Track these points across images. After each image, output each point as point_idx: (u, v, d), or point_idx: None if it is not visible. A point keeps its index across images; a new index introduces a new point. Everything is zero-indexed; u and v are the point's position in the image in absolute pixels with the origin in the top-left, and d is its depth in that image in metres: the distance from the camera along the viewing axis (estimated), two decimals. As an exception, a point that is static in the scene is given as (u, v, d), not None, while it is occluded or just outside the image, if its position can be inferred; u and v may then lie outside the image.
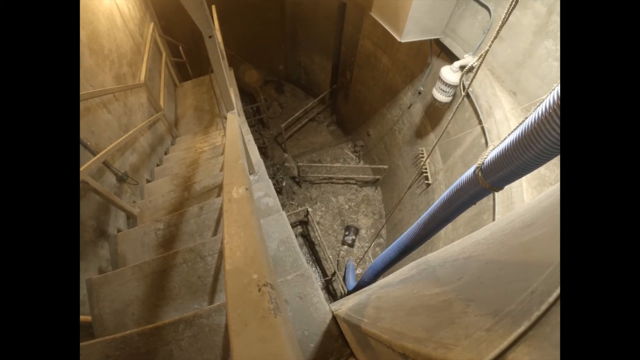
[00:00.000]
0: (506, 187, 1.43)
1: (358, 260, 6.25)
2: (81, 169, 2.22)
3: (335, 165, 7.67)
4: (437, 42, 3.99)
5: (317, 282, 1.82)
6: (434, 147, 2.98)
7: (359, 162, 7.98)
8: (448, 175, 4.07)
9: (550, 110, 0.94)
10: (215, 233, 2.55)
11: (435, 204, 1.85)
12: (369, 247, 6.43)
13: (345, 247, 6.50)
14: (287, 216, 2.40)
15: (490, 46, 1.91)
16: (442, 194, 1.78)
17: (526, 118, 1.07)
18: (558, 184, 1.01)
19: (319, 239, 6.06)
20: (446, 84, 3.55)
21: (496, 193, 2.10)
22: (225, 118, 2.52)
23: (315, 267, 6.32)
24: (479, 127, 3.29)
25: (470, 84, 2.40)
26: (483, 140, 3.22)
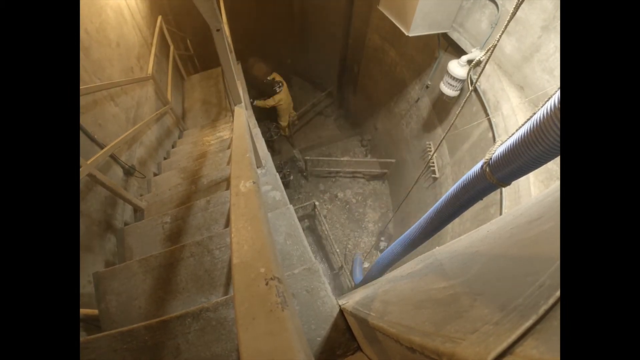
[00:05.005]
0: (513, 182, 1.42)
1: (365, 254, 6.26)
2: (88, 162, 2.23)
3: (342, 159, 7.65)
4: (445, 36, 3.95)
5: (324, 276, 1.82)
6: (442, 141, 2.97)
7: (367, 155, 7.96)
8: (455, 170, 4.05)
9: (554, 109, 0.93)
10: (222, 227, 2.55)
11: (442, 198, 1.84)
12: (376, 240, 6.43)
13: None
14: (295, 210, 2.40)
15: (498, 41, 1.89)
16: (449, 188, 1.78)
17: (534, 114, 1.06)
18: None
19: (326, 232, 6.07)
20: (454, 78, 3.53)
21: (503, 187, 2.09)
22: (233, 112, 2.52)
23: (323, 261, 6.33)
24: (486, 121, 3.27)
25: (477, 79, 2.38)
26: (490, 135, 3.20)
